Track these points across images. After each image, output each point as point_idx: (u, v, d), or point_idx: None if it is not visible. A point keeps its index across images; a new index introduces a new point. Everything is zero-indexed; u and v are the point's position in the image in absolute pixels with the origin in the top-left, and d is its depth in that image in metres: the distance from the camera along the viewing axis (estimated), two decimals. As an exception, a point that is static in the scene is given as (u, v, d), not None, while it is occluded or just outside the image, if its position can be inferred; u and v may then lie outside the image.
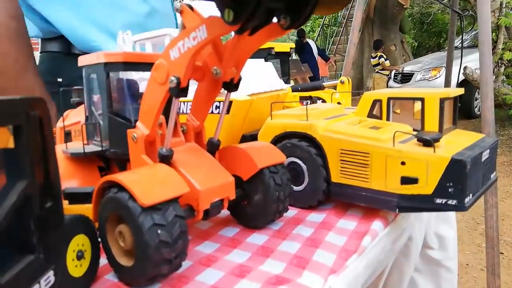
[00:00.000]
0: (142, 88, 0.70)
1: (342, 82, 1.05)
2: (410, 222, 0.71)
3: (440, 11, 11.21)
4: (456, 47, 2.83)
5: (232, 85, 0.54)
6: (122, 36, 1.06)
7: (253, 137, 0.85)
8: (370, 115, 0.72)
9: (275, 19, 0.44)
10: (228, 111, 0.80)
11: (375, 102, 0.73)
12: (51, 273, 0.37)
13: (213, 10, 0.44)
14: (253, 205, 0.60)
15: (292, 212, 0.67)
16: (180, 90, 0.48)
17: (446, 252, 0.93)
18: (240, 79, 0.55)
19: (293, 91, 1.04)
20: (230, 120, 0.79)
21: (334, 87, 1.08)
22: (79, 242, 0.44)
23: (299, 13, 0.43)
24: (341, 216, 0.64)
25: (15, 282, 0.31)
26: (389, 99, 0.71)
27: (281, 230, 0.61)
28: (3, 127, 0.31)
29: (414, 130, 0.66)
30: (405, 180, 0.57)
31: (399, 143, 0.58)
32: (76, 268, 0.44)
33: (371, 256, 0.54)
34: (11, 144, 0.33)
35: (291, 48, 1.23)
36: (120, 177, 0.45)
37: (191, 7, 0.51)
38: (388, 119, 0.72)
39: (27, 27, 0.98)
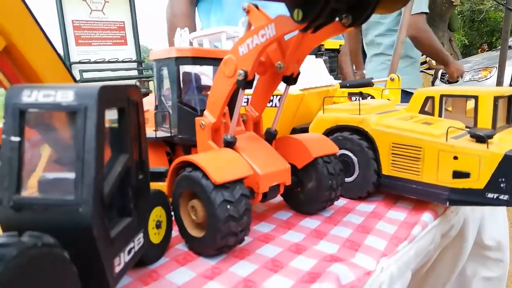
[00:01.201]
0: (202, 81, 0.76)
1: (392, 79, 1.06)
2: (459, 218, 0.73)
3: (492, 9, 10.59)
4: (510, 47, 2.70)
5: (291, 79, 0.59)
6: (180, 33, 1.13)
7: (302, 130, 0.89)
8: (422, 111, 0.74)
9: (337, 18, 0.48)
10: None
11: (427, 99, 0.74)
12: (141, 235, 0.43)
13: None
14: (306, 192, 0.64)
15: (341, 202, 0.71)
16: (246, 83, 0.54)
17: (499, 252, 0.92)
18: (299, 74, 0.60)
19: (341, 87, 1.07)
20: (281, 113, 0.83)
21: (384, 84, 1.09)
22: (158, 213, 0.50)
23: (361, 12, 0.46)
24: (390, 207, 0.67)
25: (119, 237, 0.37)
26: (442, 96, 0.73)
27: (332, 217, 0.64)
28: (112, 108, 0.37)
29: (466, 127, 0.67)
30: (457, 174, 0.58)
31: (451, 138, 0.60)
32: (155, 236, 0.50)
33: (421, 244, 0.57)
34: (115, 124, 0.39)
35: (340, 45, 1.25)
36: (195, 158, 0.51)
37: (257, 7, 0.56)
38: (440, 116, 0.73)
39: None
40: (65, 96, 0.33)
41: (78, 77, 4.81)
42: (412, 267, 0.54)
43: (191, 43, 1.11)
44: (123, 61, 4.67)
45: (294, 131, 0.89)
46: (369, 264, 0.48)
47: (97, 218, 0.32)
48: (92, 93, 0.33)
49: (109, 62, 4.57)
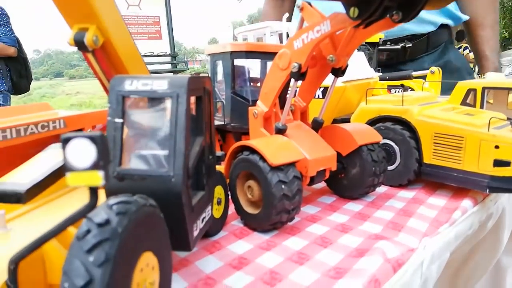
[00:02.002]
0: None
1: (432, 72, 1.08)
2: (497, 208, 0.75)
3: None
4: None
5: (340, 71, 0.63)
6: (224, 29, 1.19)
7: (343, 121, 0.93)
8: (464, 103, 0.76)
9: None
10: (323, 96, 0.89)
11: (469, 91, 0.77)
12: (209, 208, 0.49)
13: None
14: (350, 178, 0.69)
15: (383, 188, 0.75)
16: (300, 75, 0.59)
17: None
18: (347, 66, 0.64)
19: (381, 79, 1.10)
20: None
21: (424, 77, 1.10)
22: (219, 191, 0.56)
23: (410, 9, 0.50)
24: (430, 194, 0.70)
25: (197, 207, 0.43)
26: (483, 88, 0.75)
27: (375, 201, 0.69)
28: (194, 97, 0.43)
29: (508, 119, 0.69)
30: (498, 163, 0.61)
31: (493, 128, 0.63)
32: (216, 211, 0.56)
33: (461, 228, 0.60)
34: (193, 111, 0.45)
35: (380, 39, 1.27)
36: (253, 142, 0.56)
37: (310, 4, 0.60)
38: (481, 107, 0.75)
39: None
40: (160, 85, 0.39)
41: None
42: (452, 249, 0.58)
43: (235, 38, 1.16)
44: (158, 55, 4.82)
45: (335, 121, 0.94)
46: (412, 242, 0.52)
47: (185, 188, 0.39)
48: (182, 83, 0.39)
49: (144, 56, 4.74)
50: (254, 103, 0.71)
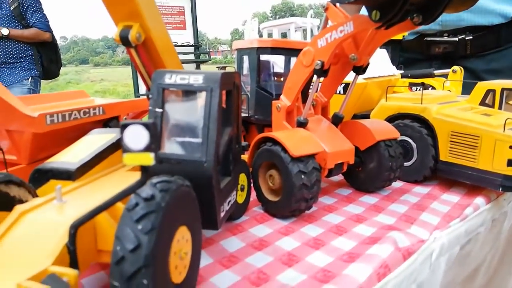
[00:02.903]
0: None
1: (454, 71, 1.09)
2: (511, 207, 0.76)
3: None
4: None
5: (361, 69, 0.66)
6: (250, 22, 1.23)
7: (363, 117, 0.95)
8: (482, 103, 0.78)
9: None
10: (344, 92, 0.92)
11: (488, 91, 0.78)
12: (234, 193, 0.54)
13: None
14: (367, 171, 0.72)
15: (398, 184, 0.78)
16: (322, 72, 0.62)
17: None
18: (368, 64, 0.67)
19: (402, 77, 1.11)
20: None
21: (446, 76, 1.11)
22: (242, 178, 0.61)
23: (431, 12, 0.52)
24: (445, 191, 0.73)
25: (224, 190, 0.48)
26: (503, 89, 0.76)
27: (390, 195, 0.72)
28: (224, 91, 0.47)
29: (526, 120, 0.71)
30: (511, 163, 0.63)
31: (509, 129, 0.64)
32: (239, 197, 0.61)
33: (472, 224, 0.63)
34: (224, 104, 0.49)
35: (403, 36, 1.28)
36: (276, 134, 0.60)
37: (334, 5, 0.63)
38: (500, 108, 0.77)
39: None
40: (196, 79, 0.43)
41: (139, 59, 5.11)
42: (462, 243, 0.61)
43: (261, 34, 1.20)
44: (181, 45, 4.90)
45: (355, 117, 0.96)
46: (423, 234, 0.55)
47: (215, 172, 0.43)
48: (216, 78, 0.43)
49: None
50: (277, 97, 0.75)
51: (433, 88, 1.06)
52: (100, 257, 0.37)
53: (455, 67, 1.08)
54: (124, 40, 0.47)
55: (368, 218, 0.62)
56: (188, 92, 0.44)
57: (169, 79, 0.44)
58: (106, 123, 0.72)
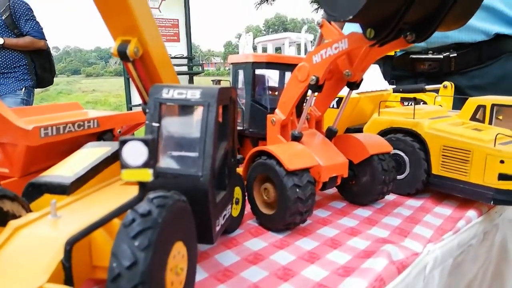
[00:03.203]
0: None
1: (445, 87, 1.11)
2: (503, 220, 0.77)
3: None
4: None
5: (355, 85, 0.67)
6: (244, 37, 1.24)
7: (356, 131, 0.97)
8: (473, 118, 0.80)
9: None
10: (338, 106, 0.93)
11: (479, 107, 0.80)
12: (230, 207, 0.54)
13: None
14: (360, 185, 0.72)
15: (391, 197, 0.78)
16: (317, 87, 0.63)
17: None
18: (361, 80, 0.68)
19: (394, 92, 1.13)
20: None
21: (436, 91, 1.13)
22: (237, 192, 0.61)
23: (424, 30, 0.54)
24: (437, 204, 0.74)
25: (220, 204, 0.48)
26: (493, 105, 0.78)
27: (383, 208, 0.72)
28: (221, 106, 0.48)
29: (515, 135, 0.72)
30: (503, 177, 0.64)
31: (499, 144, 0.66)
32: (234, 210, 0.61)
33: (464, 237, 0.63)
34: (220, 119, 0.50)
35: (395, 52, 1.30)
36: (271, 148, 0.61)
37: (329, 22, 0.65)
38: (490, 123, 0.79)
39: None
40: (194, 94, 0.44)
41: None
42: (454, 255, 0.61)
43: (255, 47, 1.21)
44: (175, 57, 4.92)
45: (348, 131, 0.97)
46: (416, 247, 0.55)
47: (211, 186, 0.43)
48: (213, 93, 0.43)
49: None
50: (272, 110, 0.75)
51: (425, 102, 1.08)
52: (95, 273, 0.37)
53: (446, 83, 1.11)
54: (122, 54, 0.48)
55: (362, 231, 0.62)
56: (185, 107, 0.44)
57: (166, 94, 0.44)
58: (100, 136, 0.72)
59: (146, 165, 0.28)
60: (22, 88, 2.25)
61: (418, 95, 1.10)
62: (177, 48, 5.11)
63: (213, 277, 0.48)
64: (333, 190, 0.81)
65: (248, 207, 0.65)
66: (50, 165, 0.67)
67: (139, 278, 0.29)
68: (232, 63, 0.82)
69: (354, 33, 0.56)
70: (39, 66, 2.34)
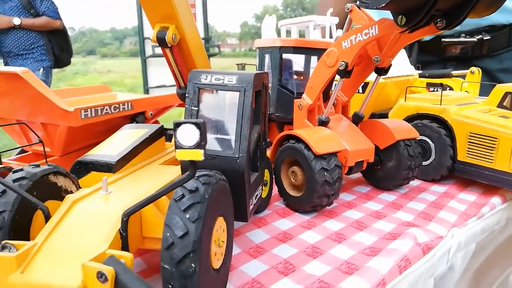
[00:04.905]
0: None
1: (472, 72, 1.10)
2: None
3: None
4: None
5: (383, 70, 0.68)
6: (268, 19, 1.24)
7: (381, 116, 0.97)
8: (500, 105, 0.79)
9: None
10: (363, 91, 0.94)
11: (506, 94, 0.79)
12: (260, 188, 0.56)
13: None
14: (386, 170, 0.74)
15: (416, 182, 0.79)
16: (346, 72, 0.64)
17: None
18: (390, 66, 0.69)
19: (420, 77, 1.12)
20: (364, 98, 0.92)
21: (463, 76, 1.12)
22: (266, 174, 0.63)
23: (455, 17, 0.54)
24: (462, 190, 0.75)
25: (253, 185, 0.50)
26: (522, 92, 0.77)
27: (408, 193, 0.73)
28: (255, 91, 0.50)
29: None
30: (529, 164, 0.64)
31: (527, 132, 0.66)
32: (263, 192, 0.63)
33: (488, 223, 0.64)
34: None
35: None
36: (299, 132, 0.63)
37: (359, 7, 0.65)
38: (518, 110, 0.78)
39: None
40: (230, 80, 0.46)
41: (150, 52, 5.16)
42: (477, 240, 0.62)
43: (278, 30, 1.21)
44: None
45: (373, 116, 0.98)
46: (441, 231, 0.57)
47: (247, 167, 0.46)
48: (249, 79, 0.45)
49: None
50: (298, 95, 0.77)
51: (451, 88, 1.07)
52: (144, 244, 0.40)
53: (473, 68, 1.09)
54: (160, 41, 0.50)
55: (388, 214, 0.64)
56: (223, 92, 0.47)
57: (204, 79, 0.46)
58: (133, 118, 0.75)
59: (198, 146, 0.31)
60: (40, 69, 2.24)
61: (445, 81, 1.09)
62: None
63: (246, 253, 0.51)
64: (357, 175, 0.83)
65: (275, 189, 0.68)
66: (87, 145, 0.71)
67: (191, 247, 0.32)
68: (258, 47, 0.83)
69: (385, 19, 0.57)
70: (57, 46, 2.32)
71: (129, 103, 0.71)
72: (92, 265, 0.29)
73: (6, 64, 2.18)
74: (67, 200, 0.39)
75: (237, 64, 1.06)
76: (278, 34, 1.30)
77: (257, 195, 0.54)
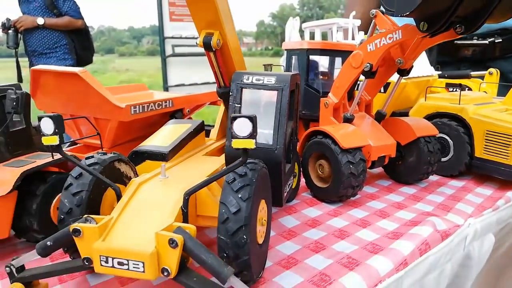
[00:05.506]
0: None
1: (490, 73, 1.13)
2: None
3: None
4: None
5: (405, 72, 0.73)
6: (292, 21, 1.30)
7: (401, 115, 1.01)
8: (518, 105, 0.83)
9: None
10: (385, 91, 0.98)
11: (524, 94, 0.83)
12: (292, 178, 0.62)
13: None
14: (406, 164, 0.79)
15: (435, 177, 0.84)
16: (370, 73, 0.69)
17: None
18: (412, 67, 0.73)
19: (440, 77, 1.16)
20: (385, 98, 0.97)
21: (482, 77, 1.15)
22: (295, 167, 0.69)
23: (473, 23, 0.58)
24: (478, 185, 0.79)
25: (287, 174, 0.56)
26: (539, 92, 0.81)
27: (427, 187, 0.78)
28: (290, 90, 0.55)
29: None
30: (544, 161, 0.68)
31: (543, 130, 0.70)
32: (293, 182, 0.69)
33: (503, 215, 0.68)
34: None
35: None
36: (327, 128, 0.68)
37: (383, 13, 0.70)
38: (535, 110, 0.82)
39: None
40: (269, 80, 0.52)
41: (170, 51, 5.27)
42: (493, 231, 0.67)
43: (302, 32, 1.27)
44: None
45: (394, 114, 1.02)
46: (458, 220, 0.62)
47: (283, 158, 0.52)
48: (286, 79, 0.51)
49: (197, 38, 4.93)
50: (324, 94, 0.82)
51: (470, 89, 1.11)
52: (198, 221, 0.47)
53: (491, 69, 1.12)
54: (206, 45, 0.56)
55: (408, 205, 0.69)
56: (263, 91, 0.53)
57: (246, 80, 0.52)
58: (172, 114, 0.82)
59: (250, 136, 0.37)
60: None
61: (463, 81, 1.13)
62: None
63: (280, 235, 0.57)
64: (378, 170, 0.88)
65: (302, 181, 0.73)
66: (130, 139, 0.79)
67: (243, 221, 0.38)
68: (286, 49, 0.88)
69: (408, 25, 0.62)
70: (79, 45, 2.38)
71: (170, 101, 0.78)
72: (164, 233, 0.36)
73: (30, 62, 2.25)
74: (133, 183, 0.45)
75: (264, 65, 1.11)
76: (302, 36, 1.36)
77: (289, 184, 0.60)
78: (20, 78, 2.05)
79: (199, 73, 4.74)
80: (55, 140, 0.41)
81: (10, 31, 2.13)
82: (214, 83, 0.63)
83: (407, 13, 0.53)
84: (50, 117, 0.41)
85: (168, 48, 5.25)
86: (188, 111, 0.86)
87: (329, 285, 0.44)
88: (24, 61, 2.18)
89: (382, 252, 0.50)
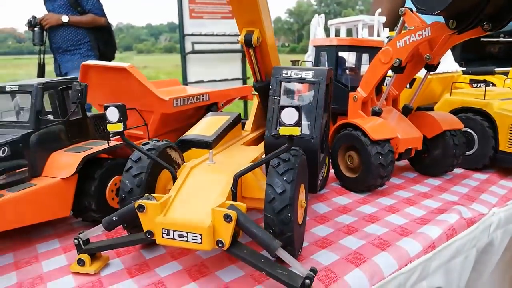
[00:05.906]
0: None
1: (516, 69, 1.14)
2: None
3: None
4: None
5: (433, 67, 0.76)
6: (317, 18, 1.33)
7: (426, 109, 1.04)
8: (543, 100, 0.84)
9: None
10: (410, 86, 1.01)
11: (550, 90, 0.84)
12: (324, 167, 0.66)
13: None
14: (432, 157, 0.82)
15: (459, 170, 0.87)
16: (399, 69, 0.72)
17: None
18: (439, 63, 0.76)
19: (464, 73, 1.18)
20: (411, 93, 0.99)
21: (506, 74, 1.16)
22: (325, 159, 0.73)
23: (499, 21, 0.61)
24: (502, 178, 0.81)
25: (321, 163, 0.60)
26: None
27: (452, 179, 0.81)
28: (328, 84, 0.59)
29: None
30: None
31: None
32: (324, 172, 0.73)
33: (528, 205, 0.71)
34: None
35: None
36: (357, 121, 0.72)
37: (411, 10, 0.73)
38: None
39: None
40: (307, 74, 0.56)
41: (190, 49, 5.34)
42: (518, 221, 0.69)
43: (327, 29, 1.30)
44: (229, 35, 5.05)
45: (419, 109, 1.05)
46: (482, 209, 0.65)
47: (319, 147, 0.56)
48: (323, 73, 0.55)
49: (216, 35, 4.99)
50: (352, 89, 0.86)
51: (494, 85, 1.12)
52: (243, 202, 0.51)
53: (516, 65, 1.13)
54: (247, 42, 0.61)
55: (434, 195, 0.72)
56: (301, 84, 0.57)
57: (285, 74, 0.57)
58: (208, 108, 0.87)
59: (296, 124, 0.41)
60: None
61: (488, 78, 1.14)
62: (231, 26, 5.21)
63: (313, 220, 0.61)
64: (404, 163, 0.91)
65: (331, 172, 0.77)
66: (169, 130, 0.84)
67: (288, 201, 0.43)
68: (315, 46, 0.92)
69: (437, 22, 0.65)
70: (102, 42, 2.44)
71: (207, 95, 0.83)
72: (219, 209, 0.40)
73: (55, 59, 2.33)
74: (186, 167, 0.50)
75: (291, 61, 1.16)
76: (327, 32, 1.39)
77: (322, 172, 0.64)
78: (41, 74, 2.12)
79: (218, 70, 4.79)
80: (119, 127, 0.47)
81: (36, 29, 2.19)
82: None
83: (438, 11, 0.57)
84: (115, 106, 0.46)
85: (188, 45, 5.33)
86: (222, 104, 0.90)
87: (363, 263, 0.48)
88: (47, 58, 2.25)
89: (411, 235, 0.54)
